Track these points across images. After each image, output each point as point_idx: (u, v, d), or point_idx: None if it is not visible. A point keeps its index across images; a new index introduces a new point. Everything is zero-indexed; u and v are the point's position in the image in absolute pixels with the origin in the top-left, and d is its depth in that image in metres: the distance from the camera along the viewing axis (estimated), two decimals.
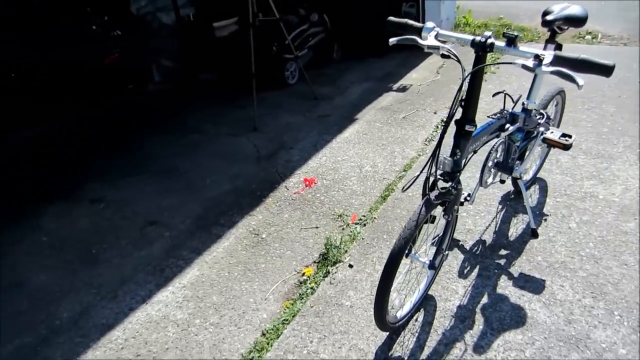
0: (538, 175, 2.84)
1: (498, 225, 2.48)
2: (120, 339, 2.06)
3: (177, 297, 2.26)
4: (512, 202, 2.64)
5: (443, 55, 1.58)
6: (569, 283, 2.05)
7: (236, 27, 4.80)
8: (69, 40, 3.36)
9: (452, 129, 1.61)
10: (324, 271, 2.28)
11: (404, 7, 6.22)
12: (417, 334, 1.90)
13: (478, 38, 1.52)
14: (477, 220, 2.53)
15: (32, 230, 2.93)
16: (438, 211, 1.82)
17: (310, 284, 2.23)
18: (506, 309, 1.96)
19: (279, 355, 1.87)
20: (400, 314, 1.90)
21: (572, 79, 1.32)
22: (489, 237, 2.39)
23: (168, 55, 5.36)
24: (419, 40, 1.60)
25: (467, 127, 1.63)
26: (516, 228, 2.44)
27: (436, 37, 1.64)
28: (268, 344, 1.94)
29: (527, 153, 2.27)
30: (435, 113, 3.91)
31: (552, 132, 2.17)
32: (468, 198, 2.22)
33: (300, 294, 2.18)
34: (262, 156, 3.52)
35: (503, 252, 2.29)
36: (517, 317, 1.91)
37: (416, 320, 1.97)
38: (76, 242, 2.78)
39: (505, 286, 2.08)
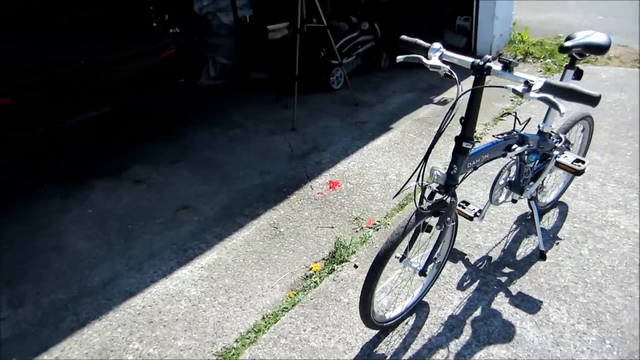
0: (561, 199, 2.82)
1: (508, 243, 2.51)
2: (138, 305, 2.29)
3: (194, 275, 2.47)
4: (528, 223, 2.65)
5: (446, 75, 1.67)
6: (566, 307, 2.06)
7: (288, 31, 5.01)
8: (132, 36, 3.70)
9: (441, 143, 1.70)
10: (330, 268, 2.41)
11: (459, 21, 6.22)
12: (404, 336, 1.99)
13: (477, 61, 1.60)
14: (488, 236, 2.57)
15: (81, 202, 3.26)
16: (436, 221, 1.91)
17: (314, 278, 2.37)
18: (496, 324, 2.01)
19: (273, 338, 2.02)
20: (390, 315, 2.00)
21: (555, 106, 1.39)
22: (495, 254, 2.43)
23: (224, 53, 5.67)
24: (424, 60, 1.70)
25: (465, 144, 1.72)
26: (525, 248, 2.45)
27: (441, 57, 1.73)
28: (265, 327, 2.10)
29: (542, 175, 2.29)
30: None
31: (565, 157, 2.18)
32: (478, 214, 2.28)
33: (304, 287, 2.32)
34: (294, 155, 3.69)
35: (507, 270, 2.32)
36: (505, 333, 1.96)
37: (407, 323, 2.06)
38: (116, 216, 3.07)
39: (500, 302, 2.12)
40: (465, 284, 2.25)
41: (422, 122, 4.15)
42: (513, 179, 2.30)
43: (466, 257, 2.43)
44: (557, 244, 2.47)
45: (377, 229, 2.72)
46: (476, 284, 2.24)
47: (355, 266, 2.42)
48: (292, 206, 3.03)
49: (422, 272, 1.92)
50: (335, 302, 2.19)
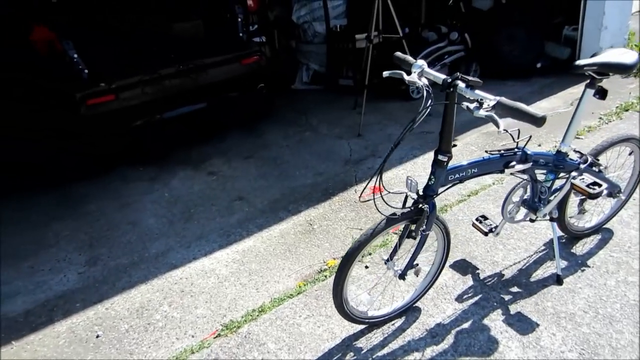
0: (607, 226, 2.63)
1: (528, 264, 2.44)
2: (177, 277, 2.69)
3: (228, 257, 2.81)
4: (561, 246, 2.53)
5: (425, 89, 1.77)
6: (563, 334, 1.99)
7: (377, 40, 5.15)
8: (219, 44, 4.22)
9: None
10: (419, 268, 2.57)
11: (566, 31, 5.81)
12: (386, 335, 2.09)
13: (447, 78, 1.67)
14: (509, 254, 2.52)
15: (162, 186, 3.83)
16: (437, 230, 2.00)
17: (326, 273, 2.55)
18: (481, 338, 2.02)
19: (271, 319, 2.26)
20: (374, 313, 2.11)
21: (495, 123, 1.43)
22: (509, 273, 2.38)
23: (316, 59, 6.03)
24: (404, 75, 1.81)
25: (440, 157, 1.80)
26: (545, 271, 2.37)
27: (421, 74, 1.81)
28: (269, 308, 2.34)
29: (558, 196, 2.20)
30: (539, 145, 3.75)
31: (582, 179, 2.09)
32: (493, 230, 2.30)
33: (314, 279, 2.52)
34: (351, 160, 3.88)
35: (515, 289, 2.27)
36: (486, 348, 1.96)
37: (393, 324, 2.15)
38: (185, 201, 3.56)
39: (494, 319, 2.11)
40: (465, 296, 2.26)
41: (489, 136, 4.05)
42: (528, 197, 2.25)
43: (478, 271, 2.42)
44: (583, 270, 2.34)
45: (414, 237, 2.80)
46: (477, 298, 2.24)
47: (366, 267, 2.55)
48: (332, 206, 3.23)
49: (402, 276, 2.01)
50: (366, 297, 2.35)
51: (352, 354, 2.02)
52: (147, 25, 3.97)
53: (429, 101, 1.70)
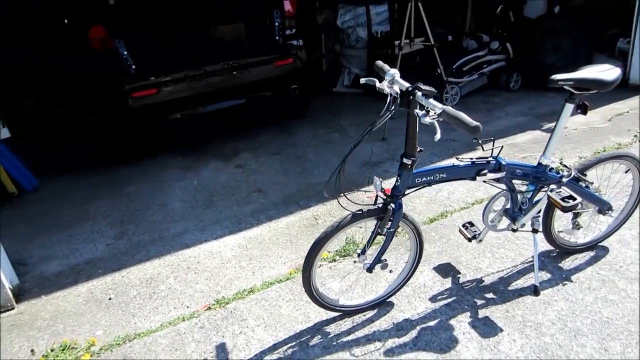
0: (604, 244, 2.61)
1: (511, 273, 2.48)
2: (186, 255, 2.98)
3: (235, 242, 3.06)
4: (548, 260, 2.54)
5: (390, 96, 1.91)
6: (523, 342, 2.04)
7: (415, 48, 5.23)
8: (256, 46, 4.50)
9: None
10: (332, 258, 2.74)
11: (620, 43, 5.59)
12: (355, 324, 2.24)
13: (407, 86, 1.80)
14: (495, 262, 2.57)
15: (193, 175, 4.16)
16: (407, 230, 2.14)
17: (321, 262, 2.72)
18: (443, 336, 2.11)
19: (257, 299, 2.47)
20: (346, 302, 2.26)
21: (434, 131, 1.56)
22: (489, 280, 2.44)
23: (358, 64, 6.19)
24: (377, 83, 1.96)
25: (405, 160, 1.93)
26: (525, 282, 2.40)
27: (392, 82, 1.94)
28: (258, 290, 2.55)
29: (536, 207, 2.24)
30: (560, 161, 3.69)
31: (559, 192, 2.12)
32: (477, 236, 2.39)
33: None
34: (369, 162, 4.01)
35: (490, 295, 2.33)
36: (444, 346, 2.06)
37: (365, 315, 2.29)
38: (209, 189, 3.86)
39: (460, 320, 2.19)
40: (440, 297, 2.35)
41: (513, 147, 4.02)
42: (509, 207, 2.31)
43: (459, 275, 2.50)
44: (564, 284, 2.35)
45: (397, 236, 2.92)
46: (450, 299, 2.33)
47: (355, 261, 2.69)
48: (336, 207, 3.39)
49: (369, 269, 2.16)
50: (319, 285, 2.52)
51: (319, 336, 2.18)
52: (193, 27, 4.31)
53: (392, 107, 1.83)
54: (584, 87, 2.00)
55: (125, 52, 4.00)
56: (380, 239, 2.16)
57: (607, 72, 1.99)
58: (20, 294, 2.74)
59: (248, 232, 3.18)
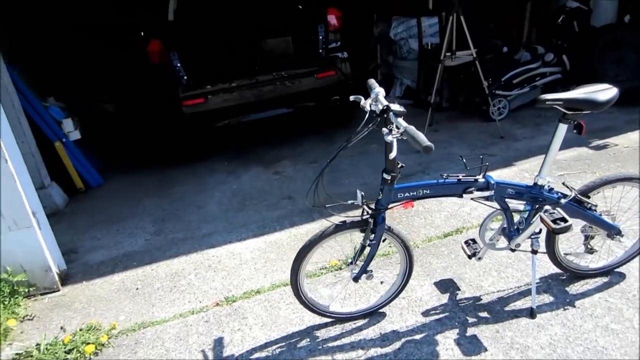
0: (622, 270, 2.48)
1: (512, 294, 2.43)
2: (210, 254, 3.21)
3: (255, 246, 3.25)
4: (554, 283, 2.47)
5: (373, 113, 1.99)
6: None
7: (463, 60, 5.17)
8: (301, 59, 4.71)
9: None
10: (338, 267, 2.84)
11: None
12: (343, 330, 2.33)
13: (384, 107, 1.87)
14: (498, 282, 2.53)
15: (234, 179, 4.44)
16: (395, 244, 2.21)
17: (324, 271, 2.84)
18: (425, 351, 2.14)
19: (261, 300, 2.64)
20: (336, 309, 2.36)
21: (390, 150, 1.63)
22: (488, 299, 2.42)
23: (409, 75, 6.20)
24: (362, 100, 2.05)
25: (384, 175, 2.00)
26: (524, 304, 2.35)
27: (376, 99, 2.01)
28: (265, 291, 2.72)
29: (531, 227, 2.20)
30: (563, 183, 3.50)
31: (552, 213, 2.07)
32: (477, 253, 2.40)
33: (313, 274, 2.83)
34: (401, 174, 4.03)
35: (483, 314, 2.32)
36: (414, 357, 2.09)
37: (355, 323, 2.37)
38: (245, 194, 4.10)
39: (447, 336, 2.20)
40: (433, 312, 2.38)
41: (552, 163, 3.86)
42: (505, 226, 2.28)
43: (458, 292, 2.50)
44: (565, 309, 2.28)
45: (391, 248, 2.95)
46: (442, 315, 2.34)
47: (382, 282, 2.76)
48: (359, 213, 3.47)
49: (355, 279, 2.24)
50: (309, 290, 2.63)
51: (308, 339, 2.30)
52: (244, 40, 4.60)
53: (369, 124, 1.91)
54: (575, 108, 1.95)
55: (179, 64, 4.36)
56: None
57: (601, 92, 1.94)
58: (66, 279, 3.13)
59: (270, 236, 3.35)
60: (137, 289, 2.93)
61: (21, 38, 4.85)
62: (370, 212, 2.09)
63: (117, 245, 3.52)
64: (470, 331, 2.21)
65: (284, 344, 2.30)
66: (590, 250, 2.40)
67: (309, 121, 4.98)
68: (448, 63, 5.23)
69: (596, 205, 2.20)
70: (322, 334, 2.33)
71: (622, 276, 2.44)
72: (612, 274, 2.46)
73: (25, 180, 2.93)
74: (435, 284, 2.58)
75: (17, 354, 2.44)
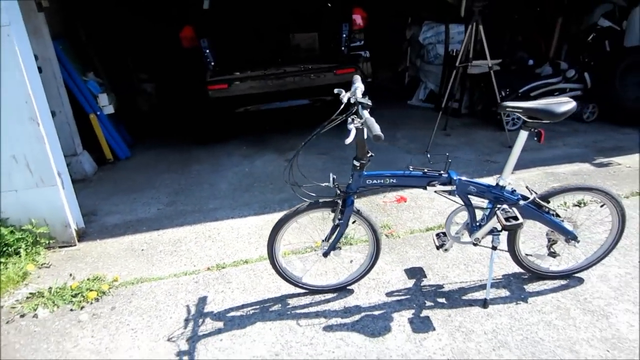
0: (581, 275, 2.61)
1: (473, 286, 2.61)
2: (212, 227, 3.52)
3: (254, 223, 3.54)
4: (515, 281, 2.63)
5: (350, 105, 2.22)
6: (447, 342, 2.21)
7: (484, 69, 5.28)
8: (323, 54, 4.97)
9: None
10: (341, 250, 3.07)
11: None
12: (312, 301, 2.58)
13: (355, 99, 2.10)
14: (463, 274, 2.71)
15: (248, 163, 4.75)
16: (364, 226, 2.44)
17: (310, 249, 3.09)
18: (379, 325, 2.36)
19: (247, 269, 2.92)
20: (308, 281, 2.61)
21: (348, 136, 1.87)
22: (449, 287, 2.61)
23: (434, 79, 6.34)
24: (342, 92, 2.28)
25: (355, 162, 2.23)
26: (481, 295, 2.52)
27: (353, 93, 2.24)
28: (252, 262, 3.00)
29: (488, 224, 2.37)
30: (527, 186, 3.60)
31: (507, 211, 2.24)
32: (443, 245, 2.60)
33: (298, 251, 3.09)
34: None
35: (441, 300, 2.51)
36: (376, 332, 2.31)
37: (324, 296, 2.61)
38: (255, 176, 4.40)
39: (402, 315, 2.41)
40: (396, 293, 2.59)
41: (551, 175, 3.97)
42: (469, 221, 2.47)
43: (424, 279, 2.70)
44: (517, 304, 2.45)
45: (389, 237, 3.17)
46: (404, 297, 2.55)
47: (351, 261, 3.00)
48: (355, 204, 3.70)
49: (325, 254, 2.48)
50: (283, 262, 2.88)
51: (279, 305, 2.56)
52: (269, 32, 4.90)
53: (343, 115, 2.14)
54: (534, 117, 2.12)
55: (207, 51, 4.71)
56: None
57: (559, 103, 2.09)
58: (83, 236, 3.51)
59: (269, 215, 3.63)
60: (142, 250, 3.27)
61: (69, 14, 5.26)
62: (340, 194, 2.31)
63: (132, 211, 3.88)
64: (425, 313, 2.42)
65: (257, 307, 2.57)
66: (553, 254, 2.55)
67: (325, 115, 5.22)
68: (470, 71, 5.37)
69: (554, 210, 2.36)
70: (293, 302, 2.59)
71: (581, 281, 2.58)
72: (571, 279, 2.60)
73: (54, 144, 3.30)
74: (406, 270, 2.79)
75: (31, 293, 2.81)
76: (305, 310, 2.51)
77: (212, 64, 4.76)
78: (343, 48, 4.93)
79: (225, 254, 3.14)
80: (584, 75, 5.17)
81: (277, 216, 3.55)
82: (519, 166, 4.21)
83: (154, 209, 3.92)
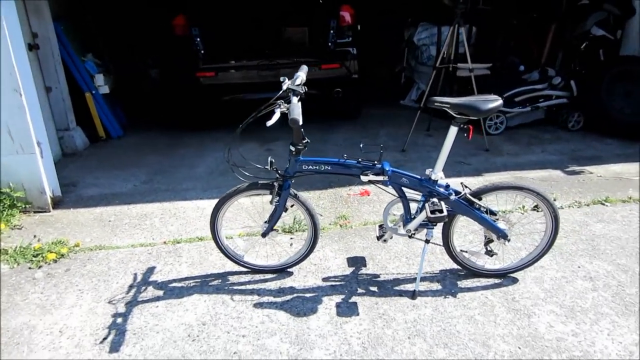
0: (516, 275, 2.67)
1: (407, 278, 2.68)
2: (179, 205, 3.66)
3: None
4: (453, 276, 2.69)
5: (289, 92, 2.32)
6: (366, 327, 2.28)
7: (472, 72, 5.32)
8: (310, 49, 5.07)
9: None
10: (279, 232, 3.19)
11: None
12: (251, 279, 2.69)
13: (287, 86, 2.20)
14: (402, 267, 2.78)
15: (265, 151, 4.86)
16: (302, 210, 2.53)
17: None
18: (307, 306, 2.45)
19: (200, 245, 3.05)
20: (249, 260, 2.72)
21: (270, 117, 1.97)
22: (385, 278, 2.69)
23: (426, 80, 6.36)
24: (285, 80, 2.38)
25: (291, 147, 2.34)
26: (413, 287, 2.60)
27: (293, 82, 2.34)
28: (206, 239, 3.12)
29: (418, 217, 2.45)
30: (461, 183, 3.63)
31: (435, 204, 2.32)
32: (381, 236, 2.69)
33: (254, 233, 3.20)
34: None
35: (373, 288, 2.60)
36: (302, 312, 2.40)
37: (265, 275, 2.72)
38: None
39: (332, 299, 2.51)
40: (332, 279, 2.68)
41: (519, 179, 4.00)
42: (402, 213, 2.55)
43: (363, 268, 2.78)
44: (445, 297, 2.52)
45: (341, 227, 3.26)
46: (338, 283, 2.65)
47: (292, 238, 3.10)
48: (323, 194, 3.81)
49: (263, 235, 2.59)
50: (262, 245, 2.99)
51: (219, 280, 2.69)
52: (258, 25, 5.02)
53: (279, 101, 2.25)
54: (461, 112, 2.19)
55: (198, 39, 4.85)
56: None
57: (485, 100, 2.16)
58: (59, 204, 3.69)
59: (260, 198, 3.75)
60: (109, 221, 3.43)
61: None
62: (279, 177, 2.41)
63: (110, 186, 4.05)
64: (354, 299, 2.51)
65: (199, 280, 2.69)
66: (489, 252, 2.60)
67: (311, 108, 5.32)
68: (459, 73, 5.41)
69: (485, 207, 2.42)
70: (233, 279, 2.71)
71: (515, 281, 2.63)
72: (506, 278, 2.66)
73: (36, 115, 3.48)
74: (348, 258, 2.88)
75: None
76: (242, 287, 2.62)
77: (202, 52, 4.89)
78: (330, 44, 5.02)
79: (184, 230, 3.28)
80: (570, 83, 5.15)
81: (243, 201, 3.67)
82: (491, 169, 4.32)
83: (131, 185, 4.08)
